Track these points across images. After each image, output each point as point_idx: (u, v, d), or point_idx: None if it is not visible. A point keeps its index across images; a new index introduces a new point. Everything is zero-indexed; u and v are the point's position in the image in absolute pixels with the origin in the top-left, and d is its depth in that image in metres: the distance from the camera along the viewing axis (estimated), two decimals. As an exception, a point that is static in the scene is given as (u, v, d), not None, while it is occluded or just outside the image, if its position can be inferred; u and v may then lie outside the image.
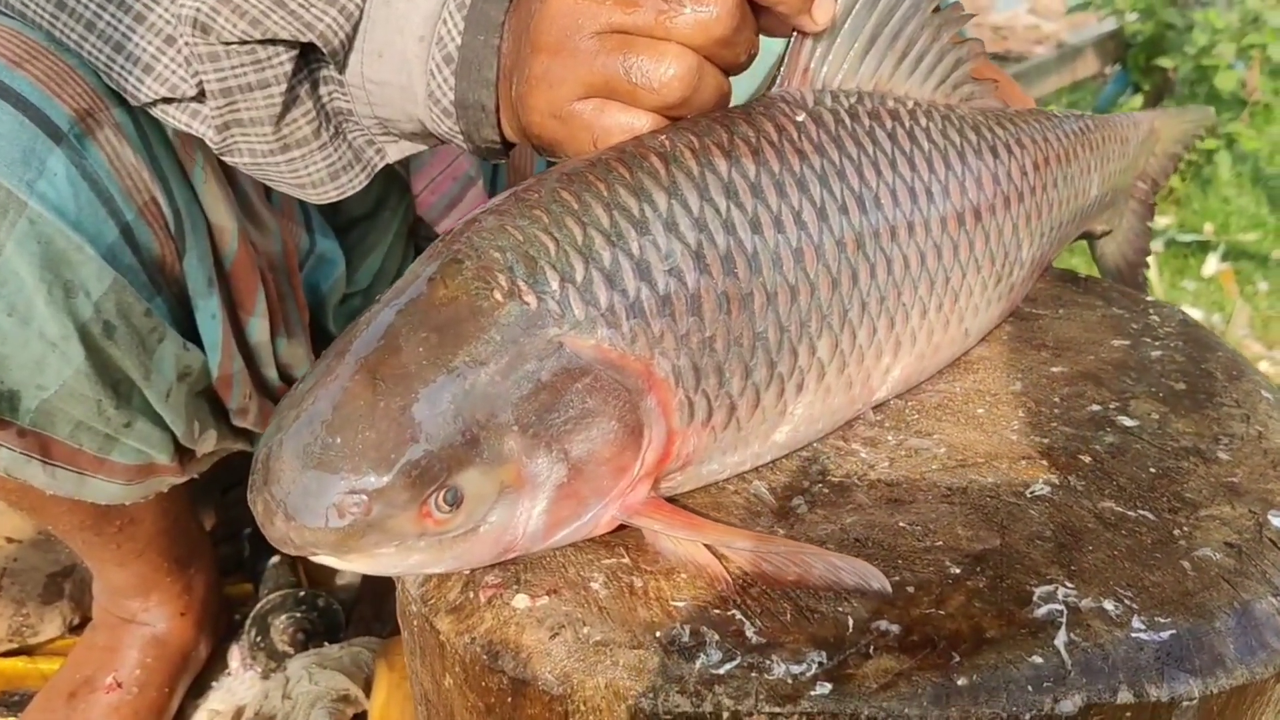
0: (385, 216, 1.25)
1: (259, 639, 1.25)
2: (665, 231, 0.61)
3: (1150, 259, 1.04)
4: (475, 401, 0.55)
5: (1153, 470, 0.68)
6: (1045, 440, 0.70)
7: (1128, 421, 0.72)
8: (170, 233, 0.88)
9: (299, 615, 1.26)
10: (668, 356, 0.60)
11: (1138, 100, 3.48)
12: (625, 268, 0.59)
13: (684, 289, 0.60)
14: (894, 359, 0.71)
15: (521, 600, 0.59)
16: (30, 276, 0.77)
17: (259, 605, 1.26)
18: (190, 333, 0.93)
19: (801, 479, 0.69)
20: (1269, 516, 0.64)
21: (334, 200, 0.82)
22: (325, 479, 0.54)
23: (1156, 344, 0.81)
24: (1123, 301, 0.88)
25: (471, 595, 0.61)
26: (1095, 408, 0.73)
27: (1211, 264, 2.91)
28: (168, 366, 0.89)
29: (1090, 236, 0.99)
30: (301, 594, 1.28)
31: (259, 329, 0.99)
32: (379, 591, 1.34)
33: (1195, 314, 2.36)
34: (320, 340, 1.13)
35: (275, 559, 1.34)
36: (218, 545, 1.36)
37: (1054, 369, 0.78)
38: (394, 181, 1.23)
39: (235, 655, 1.28)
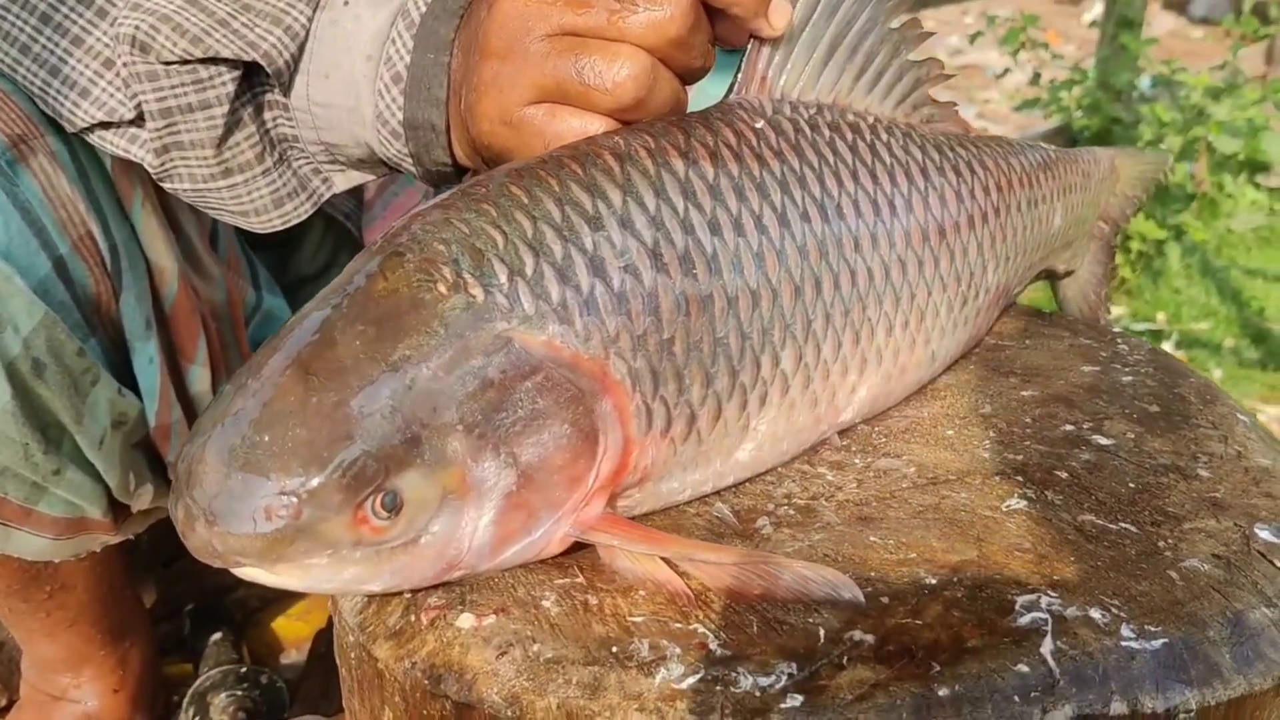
0: (334, 275, 1.22)
1: (197, 719, 1.18)
2: (620, 228, 0.58)
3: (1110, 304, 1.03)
4: (416, 398, 0.52)
5: (1132, 485, 0.65)
6: (1019, 457, 0.67)
7: (1103, 440, 0.69)
8: (106, 269, 0.84)
9: (240, 693, 1.20)
10: (624, 358, 0.57)
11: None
12: (578, 263, 0.56)
13: (640, 287, 0.57)
14: (860, 377, 0.68)
15: (466, 620, 0.55)
16: (-48, 306, 0.73)
17: (198, 682, 1.19)
18: (127, 379, 0.89)
19: (765, 501, 0.65)
20: (1255, 530, 0.61)
21: (278, 229, 0.79)
22: (251, 480, 0.50)
23: (1127, 370, 0.79)
24: (1089, 333, 0.86)
25: (413, 619, 0.56)
26: (1069, 427, 0.71)
27: (1165, 353, 2.92)
28: (101, 412, 0.85)
29: (1053, 276, 0.97)
30: (243, 670, 1.21)
31: (200, 378, 0.95)
32: (327, 667, 1.27)
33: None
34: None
35: (217, 635, 1.27)
36: (158, 622, 1.29)
37: (1024, 393, 0.75)
38: (345, 240, 1.21)
39: (172, 738, 1.21)
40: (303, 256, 1.20)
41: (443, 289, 0.54)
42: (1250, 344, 3.08)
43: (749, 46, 0.67)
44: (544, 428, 0.54)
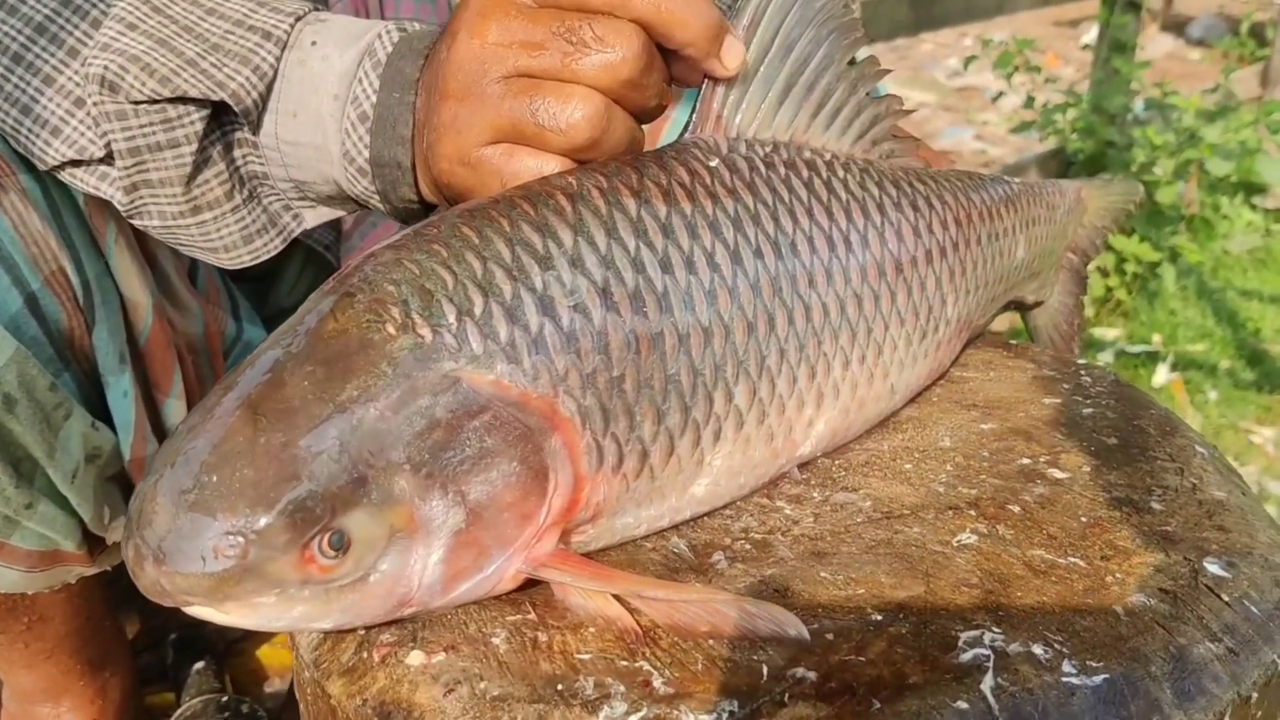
0: (316, 307, 1.23)
1: (178, 748, 1.19)
2: (570, 267, 0.59)
3: (1080, 336, 1.03)
4: (363, 438, 0.53)
5: (1084, 519, 0.65)
6: (974, 491, 0.68)
7: (1058, 474, 0.70)
8: (79, 304, 0.85)
9: (221, 723, 1.20)
10: (573, 395, 0.58)
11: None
12: (527, 302, 0.57)
13: (590, 326, 0.58)
14: (817, 411, 0.69)
15: (416, 657, 0.55)
16: (-78, 343, 0.74)
17: (179, 711, 1.20)
18: (102, 412, 0.90)
19: (723, 536, 0.66)
20: (1204, 564, 0.61)
21: (247, 264, 0.80)
22: (199, 520, 0.51)
23: (1088, 402, 0.79)
24: (1054, 364, 0.86)
25: (365, 655, 0.57)
26: (1025, 461, 0.71)
27: (1161, 374, 2.93)
28: (74, 446, 0.86)
29: (1022, 307, 0.98)
30: (224, 700, 1.22)
31: (176, 411, 0.96)
32: (307, 697, 1.27)
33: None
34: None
35: (199, 664, 1.28)
36: (141, 652, 1.30)
37: (983, 426, 0.76)
38: (324, 271, 1.21)
39: (153, 768, 1.21)
40: (282, 288, 1.21)
41: (391, 329, 0.55)
42: (1246, 366, 3.08)
43: (704, 85, 0.68)
44: (492, 465, 0.55)
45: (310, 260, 1.21)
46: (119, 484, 0.93)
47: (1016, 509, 0.66)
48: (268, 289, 1.20)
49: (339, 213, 0.82)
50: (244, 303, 1.13)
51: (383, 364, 0.54)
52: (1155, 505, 0.67)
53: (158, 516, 0.51)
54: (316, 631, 0.58)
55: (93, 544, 0.93)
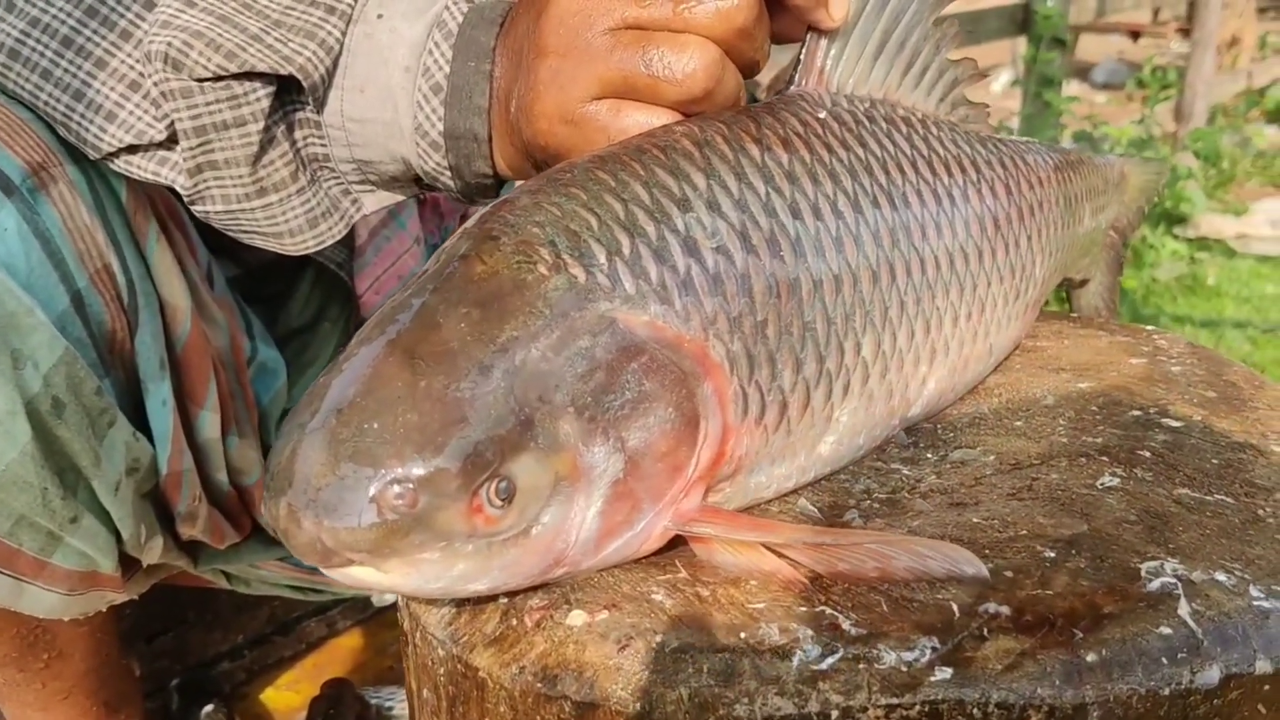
0: (325, 328, 1.19)
1: (194, 795, 1.12)
2: (708, 210, 0.57)
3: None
4: (528, 380, 0.50)
5: (1215, 462, 0.64)
6: (1098, 440, 0.66)
7: (1173, 423, 0.69)
8: (123, 305, 0.80)
9: (239, 766, 1.14)
10: (722, 340, 0.55)
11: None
12: (672, 244, 0.55)
13: (733, 268, 0.56)
14: (930, 369, 0.67)
15: (578, 617, 0.52)
16: (-26, 339, 0.69)
17: (194, 757, 1.13)
18: (137, 422, 0.85)
19: (846, 497, 0.63)
20: (1344, 496, 0.61)
21: (311, 250, 0.76)
22: (362, 469, 0.47)
23: (1173, 361, 0.79)
24: (1123, 331, 0.86)
25: (515, 623, 0.53)
26: (1136, 412, 0.70)
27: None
28: (118, 456, 0.81)
29: (1070, 285, 0.98)
30: (241, 742, 1.15)
31: (210, 424, 0.91)
32: (325, 736, 1.22)
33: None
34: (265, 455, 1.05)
35: (209, 708, 1.21)
36: (144, 699, 1.23)
37: (1081, 385, 0.75)
38: (335, 290, 1.18)
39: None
40: (293, 308, 1.17)
41: (544, 270, 0.52)
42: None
43: (806, 39, 0.67)
44: (650, 411, 0.52)
45: (321, 279, 1.17)
46: (153, 501, 0.88)
47: (1147, 454, 0.65)
48: (278, 309, 1.16)
49: (398, 197, 0.79)
50: (257, 322, 1.09)
51: (539, 304, 0.51)
52: (1275, 448, 0.66)
53: (314, 468, 0.47)
54: (463, 596, 0.54)
55: (126, 566, 0.87)
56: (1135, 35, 7.51)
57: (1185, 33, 6.12)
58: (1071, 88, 6.94)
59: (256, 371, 1.06)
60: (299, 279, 1.16)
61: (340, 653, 1.43)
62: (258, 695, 1.33)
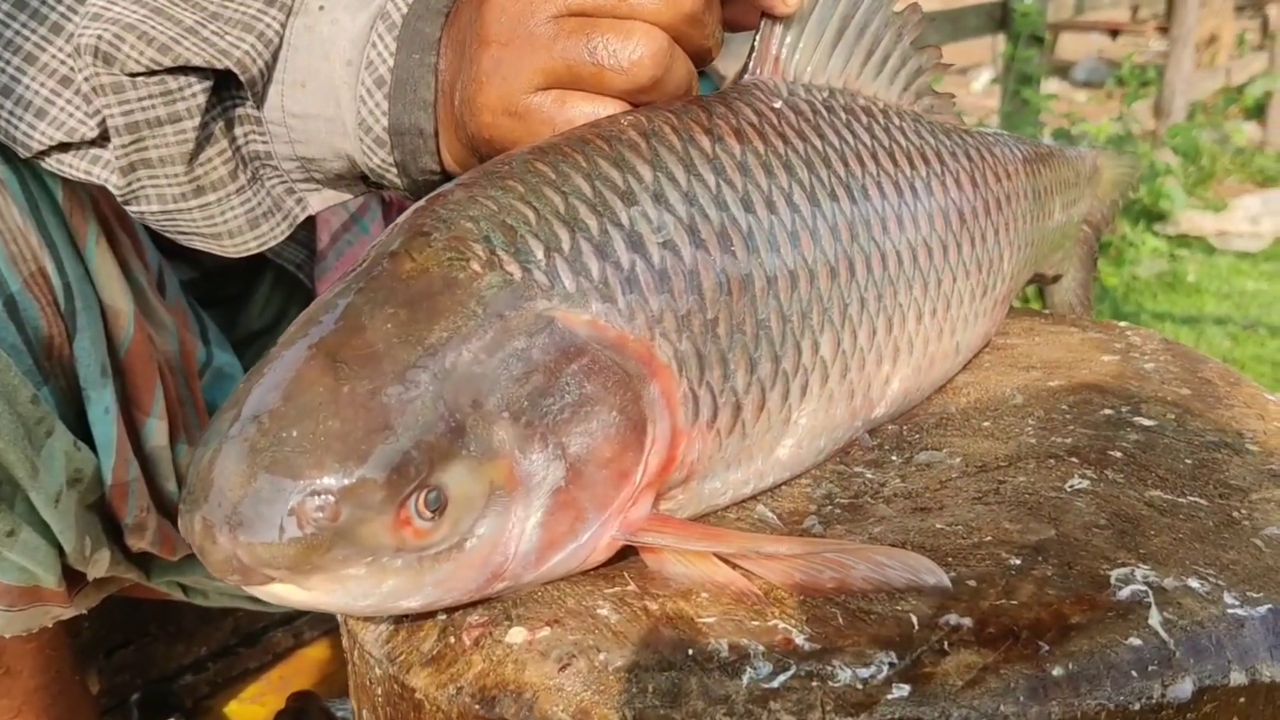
0: (284, 329, 1.16)
1: (152, 814, 1.09)
2: (654, 203, 0.54)
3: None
4: (458, 384, 0.47)
5: (1189, 462, 0.62)
6: (1068, 441, 0.64)
7: (1146, 421, 0.66)
8: (59, 310, 0.77)
9: (198, 783, 1.10)
10: (669, 339, 0.53)
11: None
12: (616, 238, 0.52)
13: (681, 264, 0.53)
14: (893, 368, 0.65)
15: (518, 634, 0.49)
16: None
17: (151, 775, 1.10)
18: (79, 431, 0.82)
19: (806, 503, 0.61)
20: (1322, 497, 0.58)
21: (253, 251, 0.73)
22: (280, 480, 0.44)
23: (1146, 358, 0.76)
24: (1096, 328, 0.83)
25: (453, 640, 0.50)
26: (1108, 411, 0.68)
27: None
28: (57, 466, 0.77)
29: (1042, 281, 0.96)
30: (200, 758, 1.12)
31: (157, 431, 0.88)
32: (288, 751, 1.18)
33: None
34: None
35: (168, 725, 1.18)
36: (104, 714, 1.19)
37: (1051, 383, 0.72)
38: (295, 292, 1.15)
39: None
40: (252, 310, 1.14)
41: (477, 267, 0.49)
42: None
43: (761, 26, 0.64)
44: (592, 415, 0.49)
45: (280, 281, 1.14)
46: (98, 513, 0.85)
47: (1118, 454, 0.62)
48: (236, 312, 1.12)
49: (345, 196, 0.76)
50: (212, 326, 1.06)
51: (471, 303, 0.48)
52: (1251, 447, 0.64)
53: (229, 481, 0.44)
54: (395, 614, 0.51)
55: (71, 581, 0.84)
56: (1114, 33, 7.53)
57: (1164, 30, 6.13)
58: (1051, 86, 6.95)
59: (212, 377, 1.03)
60: (258, 281, 1.13)
61: (307, 664, 1.40)
62: (221, 709, 1.29)
